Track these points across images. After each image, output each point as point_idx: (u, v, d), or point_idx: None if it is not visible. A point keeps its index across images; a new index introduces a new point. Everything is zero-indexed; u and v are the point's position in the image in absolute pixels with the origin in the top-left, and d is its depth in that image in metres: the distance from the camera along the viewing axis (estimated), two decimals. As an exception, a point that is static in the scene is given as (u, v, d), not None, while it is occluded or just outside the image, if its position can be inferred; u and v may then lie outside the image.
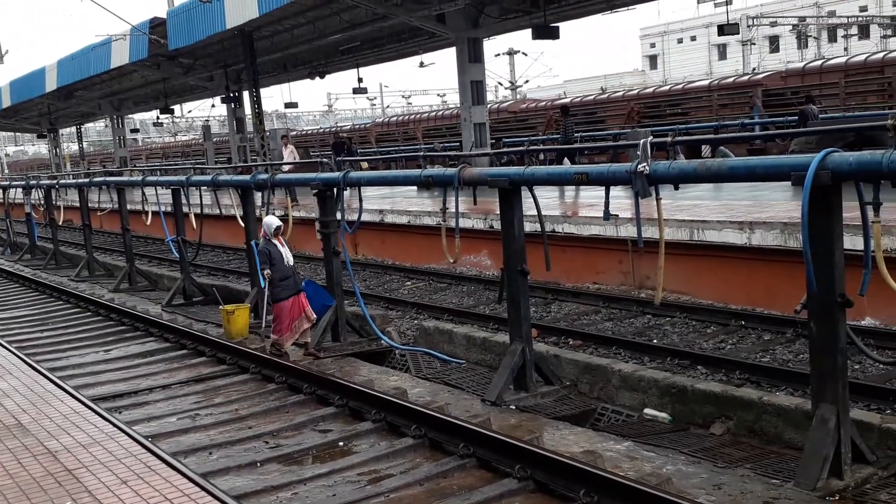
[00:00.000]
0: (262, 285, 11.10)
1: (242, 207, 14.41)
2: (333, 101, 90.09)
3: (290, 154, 26.16)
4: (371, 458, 7.36)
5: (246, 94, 34.63)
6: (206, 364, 11.27)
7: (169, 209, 17.43)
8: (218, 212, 18.21)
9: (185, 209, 16.57)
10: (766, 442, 8.28)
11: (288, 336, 11.04)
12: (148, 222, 19.25)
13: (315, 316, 11.29)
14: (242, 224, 14.42)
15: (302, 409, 8.97)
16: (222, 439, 8.15)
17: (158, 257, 24.28)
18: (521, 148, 21.41)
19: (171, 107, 48.52)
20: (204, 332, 12.68)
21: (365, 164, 28.90)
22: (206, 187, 16.46)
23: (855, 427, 6.80)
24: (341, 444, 7.85)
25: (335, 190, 11.69)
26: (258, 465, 7.44)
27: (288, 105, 50.59)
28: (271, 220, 11.09)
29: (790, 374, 9.37)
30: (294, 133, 49.39)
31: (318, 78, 37.30)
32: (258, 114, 32.25)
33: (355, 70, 36.89)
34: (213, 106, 57.23)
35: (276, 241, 11.00)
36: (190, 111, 74.19)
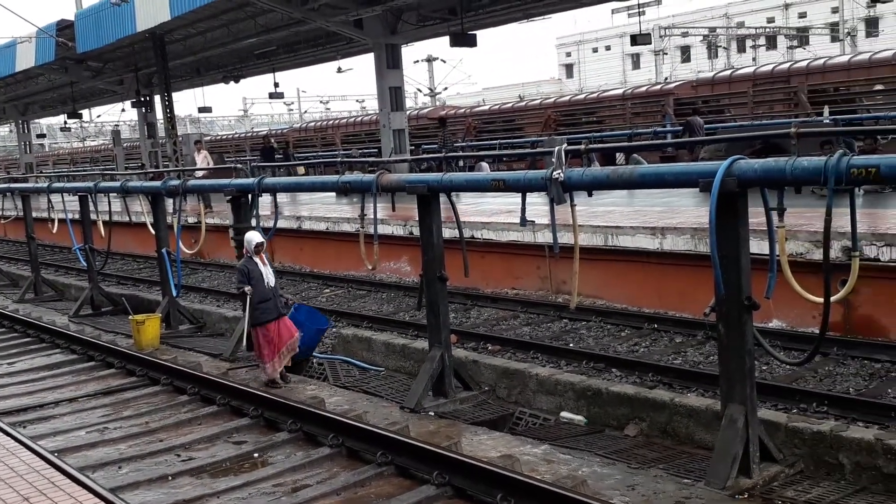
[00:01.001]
0: (245, 307, 9.97)
1: (153, 214, 14.04)
2: (249, 106, 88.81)
3: (203, 160, 25.66)
4: (287, 469, 7.24)
5: (157, 99, 33.84)
6: (116, 376, 10.93)
7: (76, 216, 16.87)
8: (128, 219, 17.70)
9: (94, 216, 16.08)
10: (678, 442, 8.46)
11: (271, 364, 9.95)
12: (54, 230, 18.62)
13: (297, 347, 10.20)
14: (153, 231, 14.05)
15: (215, 421, 8.77)
16: (132, 453, 7.91)
17: (66, 266, 23.48)
18: (440, 155, 21.45)
19: (80, 111, 47.04)
20: (113, 343, 12.31)
21: (301, 170, 28.28)
22: (115, 194, 16.00)
23: (763, 426, 7.01)
24: (256, 455, 7.71)
25: (250, 196, 11.49)
26: (170, 478, 7.24)
27: (201, 109, 49.63)
28: (252, 236, 10.06)
29: (701, 376, 9.61)
30: (208, 138, 48.44)
31: (232, 82, 36.70)
32: (170, 118, 31.51)
33: (271, 74, 36.47)
34: (123, 110, 55.70)
35: (256, 259, 9.94)
36: (99, 116, 72.23)
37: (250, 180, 11.53)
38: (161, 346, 12.37)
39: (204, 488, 6.95)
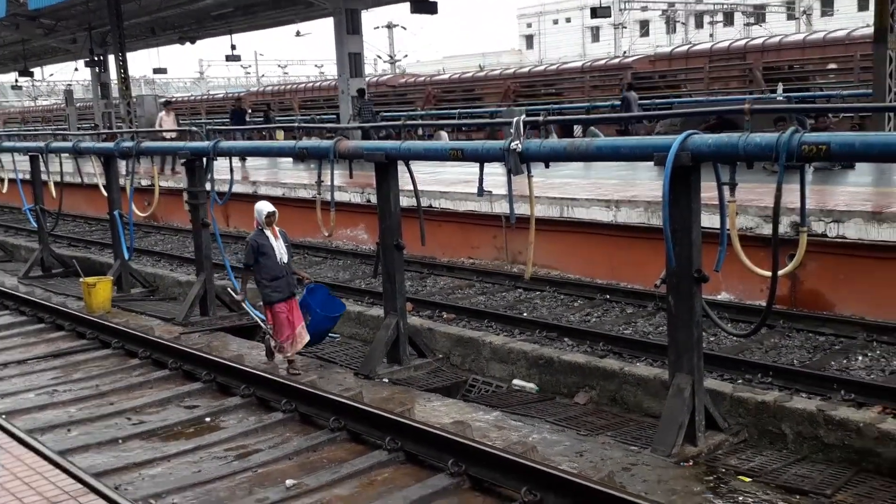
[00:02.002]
0: (238, 294, 9.38)
1: (105, 176, 13.81)
2: (205, 69, 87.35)
3: (172, 122, 25.29)
4: (239, 434, 7.24)
5: (112, 59, 33.10)
6: (66, 339, 10.79)
7: (27, 176, 16.51)
8: (80, 180, 17.38)
9: (45, 177, 15.75)
10: (627, 410, 8.64)
11: (289, 347, 9.15)
12: (4, 190, 18.25)
13: (308, 337, 9.27)
14: (105, 193, 13.82)
15: (167, 385, 8.73)
16: (82, 416, 7.85)
17: (15, 227, 23.01)
18: (398, 122, 21.36)
19: (31, 70, 45.88)
20: (63, 305, 12.13)
21: (281, 134, 27.70)
22: (67, 154, 15.68)
23: (709, 396, 7.18)
24: (208, 419, 7.69)
25: (205, 160, 11.35)
26: (120, 441, 7.21)
27: (157, 71, 48.74)
28: (262, 206, 9.12)
29: (650, 346, 9.78)
30: (163, 100, 47.62)
31: (188, 43, 36.08)
32: (124, 79, 30.86)
33: (229, 37, 35.88)
34: (76, 70, 54.48)
35: (268, 233, 9.03)
36: (52, 74, 70.50)
37: (205, 143, 11.37)
38: (112, 309, 12.22)
39: (154, 452, 6.93)
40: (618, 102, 29.05)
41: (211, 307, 11.83)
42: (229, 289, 9.98)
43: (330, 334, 11.67)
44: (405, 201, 10.41)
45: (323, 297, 9.73)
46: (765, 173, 12.60)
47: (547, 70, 37.42)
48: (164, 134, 21.25)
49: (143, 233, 20.85)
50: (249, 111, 29.64)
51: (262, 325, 9.42)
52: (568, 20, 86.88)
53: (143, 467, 6.64)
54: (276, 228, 9.11)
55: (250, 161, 25.04)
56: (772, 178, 6.20)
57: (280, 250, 9.04)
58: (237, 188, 16.66)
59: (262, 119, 29.18)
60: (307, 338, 9.25)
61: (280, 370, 9.05)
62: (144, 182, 20.04)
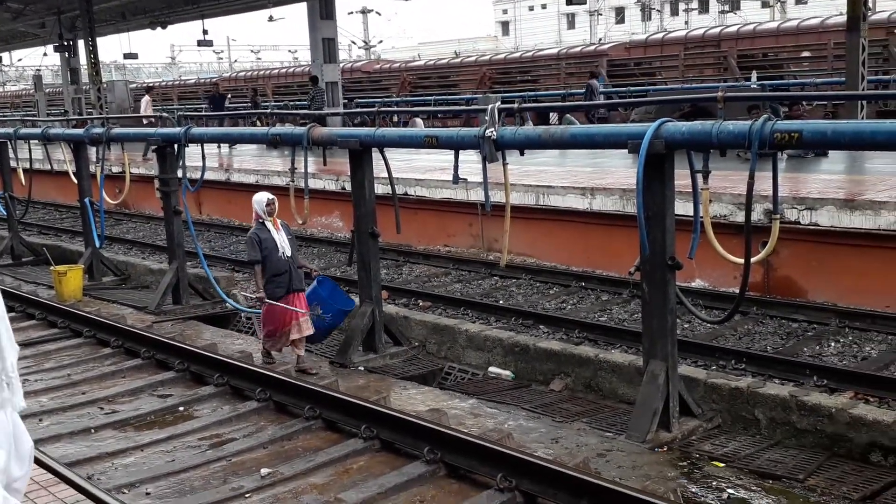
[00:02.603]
0: (257, 293, 8.74)
1: (75, 163, 13.63)
2: (177, 54, 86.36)
3: (145, 107, 25.14)
4: (213, 423, 7.19)
5: (81, 43, 32.62)
6: (36, 328, 10.65)
7: (-6, 163, 16.25)
8: (49, 167, 17.14)
9: (14, 163, 15.51)
10: (602, 397, 8.68)
11: (270, 341, 8.81)
12: (-29, 177, 17.90)
13: (312, 329, 8.74)
14: (76, 180, 13.64)
15: (140, 374, 8.65)
16: (53, 405, 7.76)
17: (-17, 215, 22.66)
18: (373, 109, 21.27)
19: (-1, 54, 45.10)
20: (34, 293, 11.99)
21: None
22: (36, 141, 15.45)
23: (683, 382, 7.23)
24: (182, 408, 7.63)
25: (176, 146, 11.23)
26: (92, 431, 7.13)
27: (127, 56, 47.94)
28: (260, 196, 8.63)
29: (625, 333, 9.83)
30: (134, 86, 46.97)
31: (159, 28, 35.58)
32: (94, 64, 30.44)
33: (200, 21, 35.40)
34: (45, 55, 53.59)
35: (269, 225, 8.56)
36: (20, 59, 69.36)
37: (177, 129, 11.24)
38: (84, 297, 12.08)
39: (128, 441, 6.87)
40: (593, 90, 29.12)
41: (184, 295, 11.73)
42: (242, 294, 9.44)
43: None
44: (380, 188, 10.36)
45: (331, 290, 9.22)
46: (738, 161, 12.70)
47: (522, 57, 37.40)
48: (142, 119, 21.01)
49: (115, 220, 20.62)
50: (229, 96, 28.99)
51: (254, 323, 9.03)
52: (544, 7, 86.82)
53: (116, 457, 6.58)
54: (278, 221, 8.64)
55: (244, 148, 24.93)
56: (745, 165, 6.23)
57: (283, 243, 8.54)
58: (209, 175, 16.53)
59: (247, 105, 28.62)
60: (310, 331, 8.68)
61: (286, 369, 8.48)
62: (115, 169, 19.81)
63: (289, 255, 8.57)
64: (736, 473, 6.28)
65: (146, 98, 25.96)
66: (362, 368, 8.91)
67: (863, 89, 17.91)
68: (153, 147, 11.52)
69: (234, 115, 28.04)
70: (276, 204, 8.57)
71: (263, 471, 6.14)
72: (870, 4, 19.29)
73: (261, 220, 8.60)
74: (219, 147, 25.01)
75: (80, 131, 13.39)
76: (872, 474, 6.59)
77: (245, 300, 9.40)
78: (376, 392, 7.75)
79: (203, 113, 25.41)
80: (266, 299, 8.54)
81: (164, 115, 15.07)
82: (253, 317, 8.83)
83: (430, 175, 15.86)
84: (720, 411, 7.72)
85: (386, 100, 33.07)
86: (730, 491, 5.88)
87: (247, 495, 5.80)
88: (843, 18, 19.65)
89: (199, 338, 9.96)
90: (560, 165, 16.78)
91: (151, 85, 30.27)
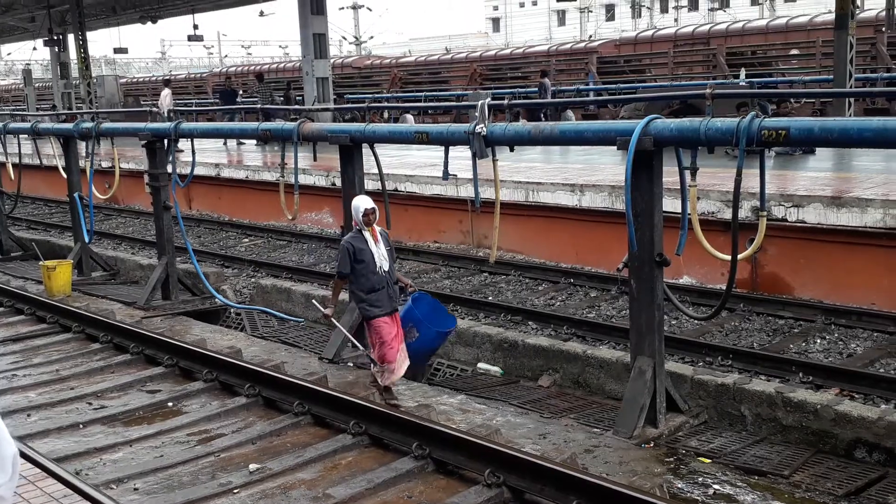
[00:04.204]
0: (326, 308, 7.77)
1: (65, 158, 13.58)
2: (167, 49, 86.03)
3: (166, 97, 25.19)
4: (202, 418, 7.20)
5: (71, 38, 32.49)
6: (25, 322, 10.63)
7: (-17, 158, 16.19)
8: (38, 162, 17.07)
9: (3, 158, 15.45)
10: (590, 393, 8.72)
11: (390, 369, 7.54)
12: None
13: (407, 362, 7.67)
14: (65, 175, 13.59)
15: (128, 370, 8.64)
16: (42, 401, 7.75)
17: (-29, 209, 22.55)
18: (363, 105, 21.23)
19: (-13, 47, 44.85)
20: (23, 289, 11.95)
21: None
22: (25, 135, 15.39)
23: (670, 379, 7.27)
24: (170, 404, 7.63)
25: (166, 141, 11.20)
26: (81, 426, 7.13)
27: (117, 51, 47.86)
28: (360, 203, 7.52)
29: (613, 329, 9.88)
30: (123, 80, 46.78)
31: (150, 23, 35.45)
32: (84, 59, 30.36)
33: (191, 16, 35.32)
34: (34, 49, 53.40)
35: (367, 234, 7.47)
36: (10, 53, 69.07)
37: (166, 125, 11.22)
38: (73, 292, 12.05)
39: (116, 437, 6.87)
40: (584, 86, 29.22)
41: (173, 291, 11.71)
42: (314, 300, 8.62)
43: (293, 318, 11.66)
44: (371, 184, 10.37)
45: (429, 308, 8.20)
46: (726, 158, 12.76)
47: (513, 53, 37.44)
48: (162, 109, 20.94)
49: (104, 215, 20.56)
50: (242, 91, 28.30)
51: (359, 349, 8.03)
52: (534, 3, 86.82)
53: (105, 452, 6.58)
54: (377, 229, 7.56)
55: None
56: (733, 162, 6.26)
57: (380, 256, 7.49)
58: (199, 171, 16.51)
59: (283, 99, 27.72)
60: (406, 363, 7.66)
61: (369, 395, 7.59)
62: (105, 164, 19.75)
63: (387, 269, 7.52)
64: (722, 469, 6.33)
65: (166, 90, 25.77)
66: (351, 364, 8.92)
67: (850, 87, 18.01)
68: (142, 143, 11.47)
69: (226, 109, 27.89)
70: (378, 213, 7.54)
71: (252, 466, 6.15)
72: (858, 3, 19.39)
73: (358, 228, 7.52)
74: (224, 143, 24.87)
75: (69, 126, 13.35)
76: (857, 470, 6.65)
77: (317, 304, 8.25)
78: (365, 388, 7.76)
79: (235, 106, 24.96)
80: (333, 319, 7.66)
81: (155, 109, 15.01)
82: (362, 351, 7.84)
83: (421, 171, 15.87)
84: (707, 407, 7.77)
85: (376, 95, 33.04)
86: (716, 487, 5.92)
87: (235, 491, 5.81)
88: (832, 16, 19.74)
89: (188, 333, 9.95)
90: (550, 162, 16.81)
91: (169, 78, 29.99)
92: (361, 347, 7.99)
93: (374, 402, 6.98)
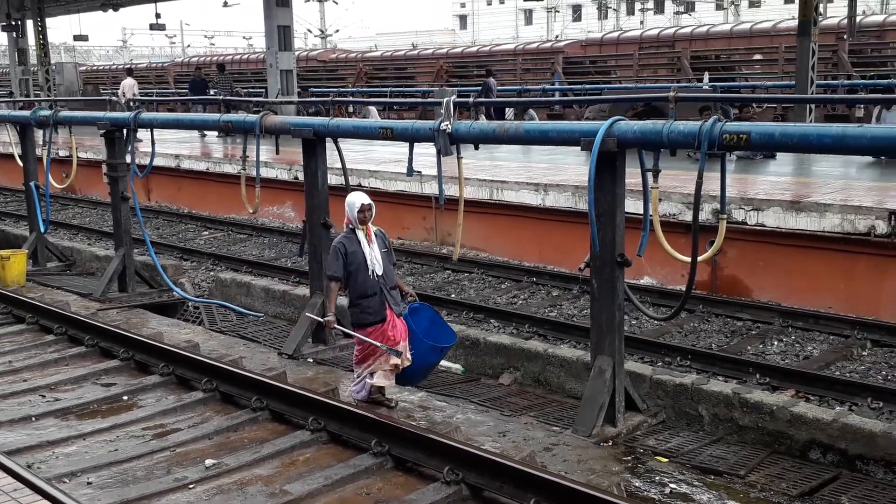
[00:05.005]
0: (325, 317, 7.11)
1: (21, 146, 13.31)
2: (128, 37, 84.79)
3: (130, 87, 24.81)
4: (158, 413, 7.09)
5: (30, 23, 31.86)
6: (-23, 313, 10.39)
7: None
8: (-6, 149, 16.77)
9: (-45, 144, 15.12)
10: (550, 391, 8.75)
11: (361, 381, 7.08)
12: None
13: (409, 361, 7.05)
14: (21, 163, 13.32)
15: (83, 362, 8.49)
16: (-7, 393, 7.57)
17: (-77, 196, 22.04)
18: (328, 99, 21.09)
19: (-58, 31, 43.77)
20: (-26, 278, 11.67)
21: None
22: (-20, 122, 15.07)
23: (629, 378, 7.31)
24: (126, 398, 7.51)
25: (125, 131, 11.02)
26: (34, 419, 6.99)
27: (77, 38, 47.00)
28: (354, 199, 7.01)
29: (574, 328, 9.92)
30: (83, 68, 46.03)
31: (111, 10, 34.87)
32: (43, 45, 29.80)
33: (153, 5, 34.82)
34: (-9, 33, 52.21)
35: (360, 234, 6.97)
36: (-35, 38, 67.43)
37: (126, 114, 11.03)
38: (27, 283, 11.81)
39: (70, 430, 6.74)
40: (549, 86, 29.33)
41: (130, 283, 11.54)
42: (308, 314, 8.05)
43: (253, 312, 11.55)
44: (334, 179, 10.30)
45: (428, 320, 7.52)
46: (689, 161, 12.85)
47: (479, 51, 37.46)
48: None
49: (61, 205, 20.20)
50: (216, 81, 27.37)
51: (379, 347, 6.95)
52: (502, 2, 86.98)
53: (58, 446, 6.46)
54: (372, 228, 7.06)
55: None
56: (695, 165, 6.31)
57: (373, 259, 6.92)
58: (159, 161, 16.28)
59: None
60: (399, 368, 7.04)
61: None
62: (63, 153, 19.40)
63: (380, 273, 6.92)
64: (679, 468, 6.38)
65: (129, 80, 25.33)
66: (311, 360, 8.85)
67: (812, 93, 18.28)
68: (101, 132, 11.27)
69: (186, 100, 27.58)
70: (374, 210, 7.05)
71: (208, 462, 6.07)
72: (821, 10, 19.67)
73: (351, 227, 7.00)
74: (202, 135, 24.45)
75: (26, 113, 13.10)
76: (811, 471, 6.75)
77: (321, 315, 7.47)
78: (325, 384, 7.71)
79: (205, 97, 24.49)
80: (335, 326, 7.13)
81: (114, 98, 14.77)
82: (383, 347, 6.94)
83: (385, 167, 15.81)
84: (665, 407, 7.84)
85: (341, 90, 32.86)
86: (672, 486, 5.97)
87: (191, 486, 5.74)
88: (795, 23, 20.02)
89: (144, 326, 9.80)
90: (515, 161, 16.84)
91: (132, 67, 29.36)
92: (348, 332, 7.22)
93: (334, 399, 6.93)
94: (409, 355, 7.03)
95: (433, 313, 7.62)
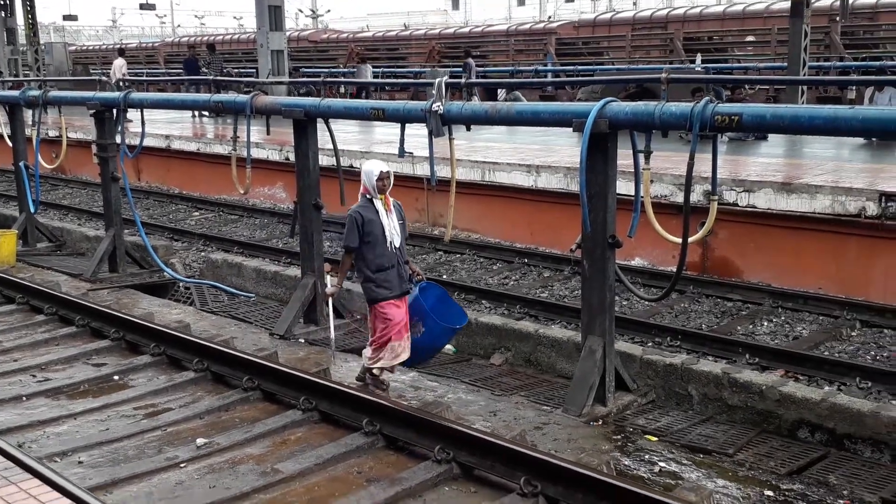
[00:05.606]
0: (330, 287, 7.18)
1: (10, 126, 13.22)
2: (118, 17, 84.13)
3: (120, 68, 24.69)
4: (149, 392, 7.09)
5: (19, 3, 31.54)
6: (-34, 294, 10.34)
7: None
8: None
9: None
10: (540, 371, 8.79)
11: (380, 356, 6.87)
12: None
13: (408, 353, 6.90)
14: (10, 144, 13.24)
15: (74, 342, 8.47)
16: (-17, 373, 7.56)
17: (-88, 177, 21.88)
18: (319, 79, 21.00)
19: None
20: (-36, 259, 11.62)
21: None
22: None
23: (619, 358, 7.34)
24: (116, 377, 7.51)
25: (115, 111, 10.96)
26: (24, 399, 6.98)
27: (67, 17, 46.71)
28: (372, 166, 6.78)
29: (565, 309, 9.95)
30: (73, 48, 45.66)
31: (102, -10, 34.54)
32: (32, 25, 29.50)
33: (144, -16, 34.50)
34: (-21, 12, 51.69)
35: (378, 204, 6.75)
36: (-48, 17, 66.79)
37: (115, 94, 10.97)
38: (17, 263, 11.76)
39: (60, 410, 6.73)
40: (542, 67, 29.22)
41: (120, 263, 11.51)
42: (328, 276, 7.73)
43: (244, 293, 11.54)
44: (325, 160, 10.27)
45: (437, 300, 7.30)
46: (680, 142, 12.88)
47: (472, 32, 37.30)
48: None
49: (51, 185, 20.11)
50: (206, 62, 26.99)
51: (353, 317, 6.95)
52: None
53: (49, 425, 6.45)
54: (390, 199, 6.82)
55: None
56: (687, 147, 6.31)
57: (392, 229, 6.72)
58: (149, 142, 16.21)
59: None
60: (406, 354, 6.88)
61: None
62: (52, 133, 19.28)
63: (398, 245, 6.74)
64: (668, 447, 6.42)
65: (120, 61, 25.13)
66: (303, 340, 8.86)
67: (804, 75, 18.28)
68: (91, 112, 11.19)
69: (176, 80, 27.42)
70: (392, 178, 6.78)
71: (199, 441, 6.08)
72: (813, -8, 19.64)
73: (368, 196, 6.74)
74: (197, 116, 24.24)
75: (15, 93, 13.01)
76: (799, 450, 6.81)
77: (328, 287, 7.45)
78: (316, 364, 7.72)
79: (199, 76, 24.28)
80: (336, 298, 6.81)
81: (104, 78, 14.67)
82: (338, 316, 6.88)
83: (377, 148, 15.76)
84: (655, 387, 7.88)
85: (333, 70, 32.69)
86: (661, 464, 6.01)
87: (182, 465, 5.74)
88: (788, 4, 19.97)
89: (135, 307, 9.79)
90: (507, 142, 16.81)
91: (123, 47, 29.10)
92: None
93: (325, 379, 6.94)
94: (408, 347, 6.88)
95: (441, 292, 7.44)
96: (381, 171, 6.66)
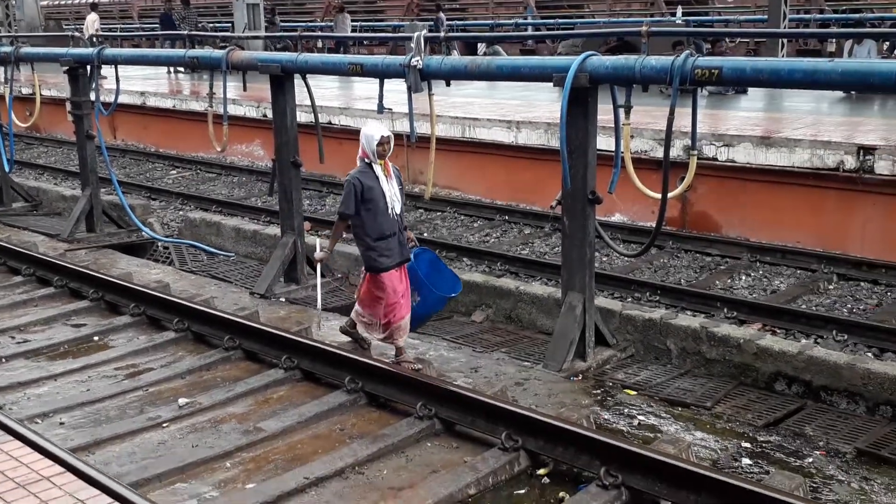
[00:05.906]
0: (320, 252, 7.09)
1: (-19, 83, 12.98)
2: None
3: (93, 23, 24.10)
4: (129, 353, 7.07)
5: (-14, -45, 30.71)
6: (-59, 255, 10.22)
7: None
8: (-47, 87, 16.29)
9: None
10: (521, 328, 8.83)
11: (371, 325, 6.72)
12: None
13: (413, 300, 6.85)
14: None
15: (52, 303, 8.41)
16: (-40, 336, 7.50)
17: None
18: (295, 34, 20.68)
19: None
20: (-62, 220, 11.48)
21: None
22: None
23: (599, 314, 7.39)
24: (96, 338, 7.47)
25: (89, 68, 10.76)
26: (3, 360, 6.93)
27: (38, -29, 45.54)
28: (372, 130, 6.38)
29: (545, 265, 9.98)
30: (45, 3, 44.60)
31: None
32: (1, -22, 28.78)
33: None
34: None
35: (378, 169, 6.44)
36: (-82, -30, 65.05)
37: (89, 50, 10.77)
38: (-5, 225, 11.65)
39: (41, 371, 6.71)
40: (522, 20, 28.93)
41: (98, 223, 11.40)
42: (317, 242, 7.63)
43: (223, 252, 11.49)
44: (303, 117, 10.16)
45: (429, 265, 7.22)
46: (660, 97, 12.82)
47: (451, -15, 36.72)
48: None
49: (25, 144, 19.81)
50: (182, 16, 26.29)
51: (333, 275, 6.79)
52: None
53: (29, 387, 6.42)
54: (390, 164, 6.55)
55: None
56: (667, 102, 6.29)
57: (393, 195, 6.44)
58: (124, 99, 15.98)
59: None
60: (400, 320, 6.64)
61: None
62: (25, 90, 18.93)
63: (399, 211, 6.50)
64: (647, 401, 6.50)
65: (93, 16, 24.57)
66: (283, 300, 8.84)
67: (784, 27, 18.21)
68: (64, 69, 10.99)
69: (150, 35, 26.93)
70: (392, 143, 6.46)
71: (181, 400, 6.09)
72: (794, -57, 19.50)
73: (367, 161, 6.44)
74: (173, 72, 23.76)
75: (-16, 50, 12.71)
76: (776, 402, 6.91)
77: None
78: (297, 323, 7.71)
79: (175, 32, 23.76)
80: (323, 264, 6.68)
81: (77, 34, 14.39)
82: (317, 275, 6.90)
83: (356, 104, 15.61)
84: (634, 342, 7.95)
85: (310, 24, 32.22)
86: (640, 417, 6.08)
87: (164, 425, 5.75)
88: (769, -43, 19.80)
89: (113, 266, 9.71)
90: (488, 97, 16.69)
91: (96, 2, 28.37)
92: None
93: (306, 337, 6.95)
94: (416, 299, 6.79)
95: (433, 256, 7.27)
96: (382, 136, 6.32)
